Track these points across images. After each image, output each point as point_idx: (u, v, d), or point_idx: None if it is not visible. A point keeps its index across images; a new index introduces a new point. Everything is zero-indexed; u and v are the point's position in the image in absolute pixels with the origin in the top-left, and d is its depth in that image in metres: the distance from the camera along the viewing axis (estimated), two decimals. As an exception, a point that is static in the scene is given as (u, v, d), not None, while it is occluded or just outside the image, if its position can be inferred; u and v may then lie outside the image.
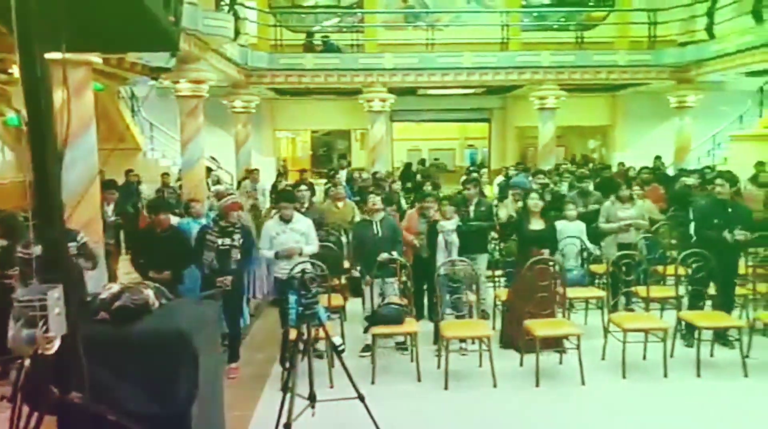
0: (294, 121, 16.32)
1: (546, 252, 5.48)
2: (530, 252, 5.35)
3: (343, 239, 6.96)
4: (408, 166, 14.88)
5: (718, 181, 5.64)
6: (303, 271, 3.95)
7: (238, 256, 5.11)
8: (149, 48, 3.07)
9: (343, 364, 3.85)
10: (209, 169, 11.25)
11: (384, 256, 5.28)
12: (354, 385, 3.77)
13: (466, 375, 4.98)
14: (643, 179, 9.07)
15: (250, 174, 10.96)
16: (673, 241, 7.52)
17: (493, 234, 7.13)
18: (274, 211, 6.55)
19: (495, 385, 4.72)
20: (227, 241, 5.07)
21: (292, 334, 4.02)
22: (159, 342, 2.72)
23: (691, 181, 8.89)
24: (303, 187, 7.12)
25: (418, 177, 11.90)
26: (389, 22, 14.64)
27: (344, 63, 12.26)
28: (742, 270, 6.65)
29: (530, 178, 9.21)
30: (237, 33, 9.60)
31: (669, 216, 8.15)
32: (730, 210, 5.48)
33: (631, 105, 15.77)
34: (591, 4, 16.02)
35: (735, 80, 13.59)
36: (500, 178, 11.82)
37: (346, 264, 6.90)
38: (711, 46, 11.42)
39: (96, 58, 6.10)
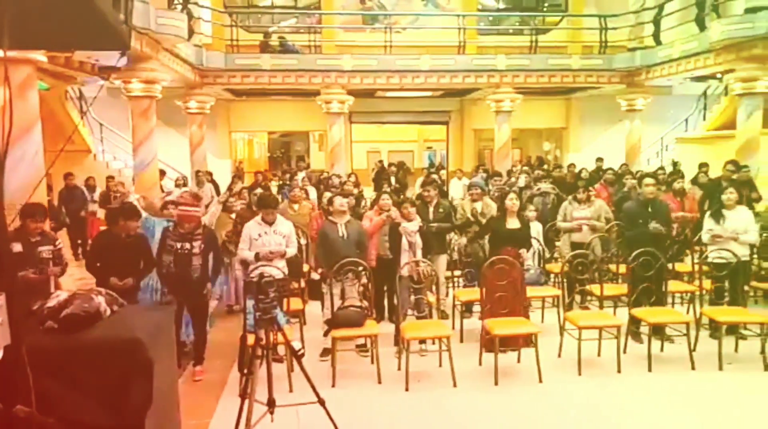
0: (251, 122, 16.11)
1: (523, 251, 5.57)
2: (504, 250, 5.43)
3: (302, 241, 6.90)
4: (383, 168, 14.70)
5: (647, 180, 5.91)
6: (260, 276, 3.89)
7: (200, 263, 5.02)
8: (98, 46, 2.96)
9: (302, 369, 3.81)
10: (163, 172, 10.98)
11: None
12: (314, 389, 3.74)
13: (426, 375, 5.00)
14: (607, 180, 9.32)
15: (199, 176, 10.69)
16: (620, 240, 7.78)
17: (453, 234, 7.21)
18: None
19: (455, 385, 4.76)
20: (186, 246, 4.97)
21: (250, 339, 3.96)
22: (111, 350, 2.62)
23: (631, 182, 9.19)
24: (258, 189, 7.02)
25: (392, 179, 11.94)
26: (347, 24, 14.63)
27: (302, 64, 12.18)
28: (688, 268, 6.95)
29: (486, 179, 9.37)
30: (191, 32, 9.42)
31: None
32: (650, 209, 5.76)
33: (584, 108, 16.21)
34: (545, 9, 16.42)
35: (681, 85, 14.16)
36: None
37: (305, 267, 6.85)
38: (658, 52, 11.86)
39: (41, 57, 5.87)
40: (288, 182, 9.54)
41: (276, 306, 3.84)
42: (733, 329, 5.55)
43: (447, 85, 12.89)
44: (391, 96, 15.12)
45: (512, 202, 5.69)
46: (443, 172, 15.84)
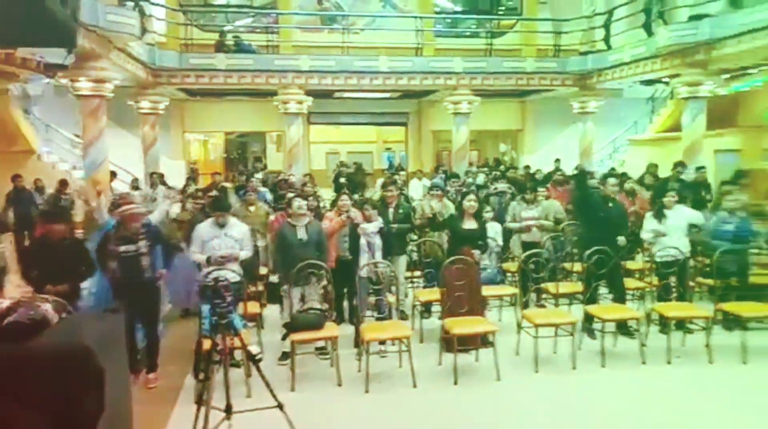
0: (206, 122, 15.81)
1: (477, 253, 5.63)
2: (462, 250, 5.48)
3: (260, 244, 6.81)
4: (359, 168, 14.46)
5: (611, 180, 6.18)
6: (216, 279, 3.81)
7: (148, 262, 4.88)
8: (43, 43, 2.84)
9: (260, 373, 3.75)
10: (114, 173, 10.65)
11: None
12: (272, 394, 3.69)
13: (386, 377, 5.00)
14: (557, 181, 9.54)
15: (152, 178, 10.43)
16: (575, 239, 7.97)
17: (412, 235, 7.24)
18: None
19: (415, 386, 4.77)
20: (131, 247, 4.82)
21: (207, 344, 3.87)
22: (59, 359, 2.52)
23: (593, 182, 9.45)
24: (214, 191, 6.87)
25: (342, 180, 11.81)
26: (305, 24, 14.53)
27: (259, 64, 12.03)
28: (639, 265, 7.19)
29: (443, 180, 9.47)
30: (143, 30, 9.16)
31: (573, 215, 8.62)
32: (611, 205, 6.02)
33: (538, 110, 16.58)
34: (500, 12, 16.70)
35: (631, 88, 14.65)
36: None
37: (263, 270, 6.76)
38: (609, 56, 12.24)
39: (-19, 53, 5.60)
40: (245, 184, 9.38)
41: (233, 310, 3.77)
42: (681, 324, 5.76)
43: (405, 86, 12.96)
44: (350, 97, 15.10)
45: (470, 203, 5.76)
46: (403, 173, 15.88)
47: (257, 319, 5.62)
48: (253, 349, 4.83)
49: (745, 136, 14.32)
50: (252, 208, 7.24)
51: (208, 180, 12.17)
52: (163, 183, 10.62)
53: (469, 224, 5.74)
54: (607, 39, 12.60)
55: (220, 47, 12.25)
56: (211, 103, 15.24)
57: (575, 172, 10.54)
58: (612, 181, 6.15)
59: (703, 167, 9.18)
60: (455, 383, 4.83)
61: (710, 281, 6.32)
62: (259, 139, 19.64)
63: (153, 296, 5.03)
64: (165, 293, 6.05)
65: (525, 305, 5.93)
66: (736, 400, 4.53)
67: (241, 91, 13.51)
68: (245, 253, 5.32)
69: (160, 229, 5.36)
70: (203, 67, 11.76)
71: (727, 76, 11.80)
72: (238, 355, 4.79)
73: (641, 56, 11.04)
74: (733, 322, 5.78)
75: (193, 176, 11.09)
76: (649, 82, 13.55)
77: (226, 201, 5.82)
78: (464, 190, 8.41)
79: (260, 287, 6.41)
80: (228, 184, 10.43)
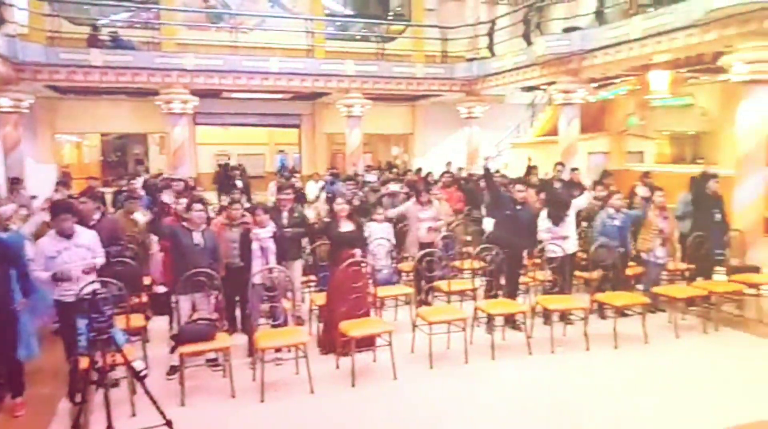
0: (79, 123, 14.56)
1: (358, 252, 5.63)
2: (342, 253, 5.46)
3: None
4: (225, 171, 13.86)
5: (518, 186, 6.58)
6: (94, 292, 3.50)
7: None
8: None
9: (146, 390, 3.50)
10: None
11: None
12: (160, 411, 3.46)
13: (282, 384, 4.87)
14: (445, 183, 9.85)
15: (13, 184, 9.33)
16: (468, 238, 8.31)
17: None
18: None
19: (312, 391, 4.70)
20: None
21: (83, 363, 3.54)
22: None
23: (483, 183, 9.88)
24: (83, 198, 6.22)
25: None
26: (190, 21, 13.89)
27: (139, 61, 11.29)
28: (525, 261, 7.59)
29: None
30: (1, 20, 8.27)
31: (464, 215, 8.97)
32: (519, 207, 6.36)
33: (428, 115, 17.07)
34: (389, 18, 17.01)
35: (513, 95, 15.52)
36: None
37: (147, 280, 6.33)
38: (492, 63, 12.88)
39: None
40: (124, 188, 8.73)
41: (113, 325, 3.49)
42: (563, 316, 6.17)
43: (297, 88, 12.79)
44: (240, 97, 14.65)
45: (341, 206, 5.78)
46: (297, 176, 15.72)
47: (142, 333, 5.25)
48: (138, 364, 4.49)
49: (611, 139, 15.73)
50: (133, 216, 6.73)
51: (82, 185, 11.21)
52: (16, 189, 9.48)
53: (346, 227, 5.76)
54: (491, 47, 13.25)
55: (93, 42, 11.35)
56: (86, 102, 14.08)
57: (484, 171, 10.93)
58: (519, 187, 6.52)
59: (576, 168, 9.90)
60: (353, 385, 4.81)
61: (587, 274, 6.82)
62: (140, 140, 18.47)
63: (7, 316, 4.35)
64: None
65: (420, 303, 6.06)
66: (610, 382, 4.92)
67: (120, 89, 12.63)
68: (100, 261, 4.82)
69: (9, 247, 4.64)
70: (75, 63, 10.80)
71: (596, 84, 12.87)
72: (122, 372, 4.44)
73: (522, 64, 11.72)
74: (607, 312, 6.29)
75: (64, 181, 10.12)
76: (529, 89, 14.41)
77: (71, 204, 5.22)
78: (358, 192, 8.47)
79: (144, 298, 5.99)
80: (106, 190, 9.68)
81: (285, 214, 6.17)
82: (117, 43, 11.54)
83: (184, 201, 5.71)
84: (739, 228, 7.20)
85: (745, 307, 6.40)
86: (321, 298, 6.05)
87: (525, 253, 6.44)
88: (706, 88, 13.31)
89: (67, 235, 4.61)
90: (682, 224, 7.23)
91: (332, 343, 5.30)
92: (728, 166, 8.77)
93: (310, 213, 7.47)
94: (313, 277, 6.78)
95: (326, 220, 6.51)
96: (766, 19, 6.85)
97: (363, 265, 5.50)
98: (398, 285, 6.77)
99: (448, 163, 13.39)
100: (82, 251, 4.66)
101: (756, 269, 6.84)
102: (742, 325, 6.28)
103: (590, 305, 6.14)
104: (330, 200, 6.15)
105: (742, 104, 7.62)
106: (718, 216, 6.93)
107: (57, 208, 4.73)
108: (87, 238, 4.77)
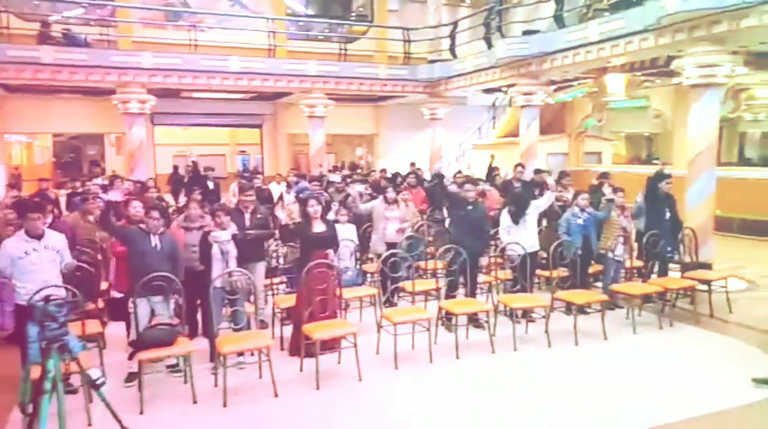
0: (30, 122, 14.03)
1: (330, 252, 5.59)
2: (313, 254, 5.41)
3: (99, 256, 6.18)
4: (176, 172, 13.68)
5: (467, 186, 6.56)
6: (47, 298, 3.37)
7: None
8: None
9: (102, 398, 3.39)
10: None
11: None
12: (117, 419, 3.37)
13: (246, 389, 4.79)
14: (410, 183, 9.87)
15: None
16: (431, 239, 8.34)
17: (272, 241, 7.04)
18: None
19: (276, 395, 4.63)
20: None
21: (35, 372, 3.40)
22: None
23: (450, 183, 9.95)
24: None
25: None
26: (147, 19, 13.55)
27: (93, 59, 10.94)
28: (485, 261, 7.67)
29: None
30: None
31: (427, 216, 9.00)
32: (470, 207, 6.37)
33: (392, 116, 17.13)
34: (351, 18, 16.98)
35: (474, 96, 15.70)
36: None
37: (104, 285, 6.13)
38: (454, 65, 13.00)
39: None
40: (79, 190, 8.43)
41: (67, 332, 3.36)
42: (525, 313, 6.26)
43: (258, 88, 12.64)
44: (199, 97, 14.39)
45: (314, 208, 5.73)
46: (260, 177, 15.52)
47: (99, 339, 5.08)
48: (94, 372, 4.34)
49: (570, 141, 16.10)
50: (92, 218, 6.53)
51: (33, 187, 10.80)
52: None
53: (318, 228, 5.72)
54: (452, 49, 13.37)
55: (44, 39, 10.94)
56: (36, 101, 13.59)
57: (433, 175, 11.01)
58: (468, 186, 6.54)
59: (543, 170, 10.08)
60: (317, 388, 4.77)
61: (547, 273, 6.94)
62: (96, 141, 17.93)
63: None
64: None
65: (385, 304, 6.05)
66: (572, 378, 5.01)
67: (73, 88, 12.23)
68: (71, 263, 4.77)
69: None
70: (24, 60, 10.41)
71: (555, 87, 13.14)
72: (77, 380, 4.29)
73: (483, 66, 11.86)
74: (569, 309, 6.41)
75: (13, 183, 9.74)
76: (490, 91, 14.61)
77: (40, 203, 5.08)
78: (324, 193, 8.41)
79: (101, 303, 5.80)
80: (57, 191, 9.35)
81: (247, 215, 6.08)
82: (70, 41, 11.16)
83: (138, 204, 5.54)
84: (691, 226, 7.45)
85: (698, 303, 6.63)
86: (285, 301, 5.99)
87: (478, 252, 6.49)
88: (660, 90, 13.76)
89: (37, 236, 4.50)
90: (637, 222, 7.44)
91: (299, 345, 5.24)
92: (682, 166, 9.06)
93: (281, 214, 7.36)
94: (276, 280, 6.70)
95: (298, 220, 6.41)
96: (714, 25, 7.11)
97: (331, 266, 5.46)
98: (363, 286, 6.75)
99: (412, 164, 13.43)
100: (52, 253, 4.60)
101: (708, 266, 7.09)
102: (695, 320, 6.50)
103: (551, 303, 6.24)
104: (302, 201, 6.05)
105: (693, 107, 7.90)
106: (668, 215, 7.15)
107: (25, 206, 4.61)
108: (56, 240, 4.70)
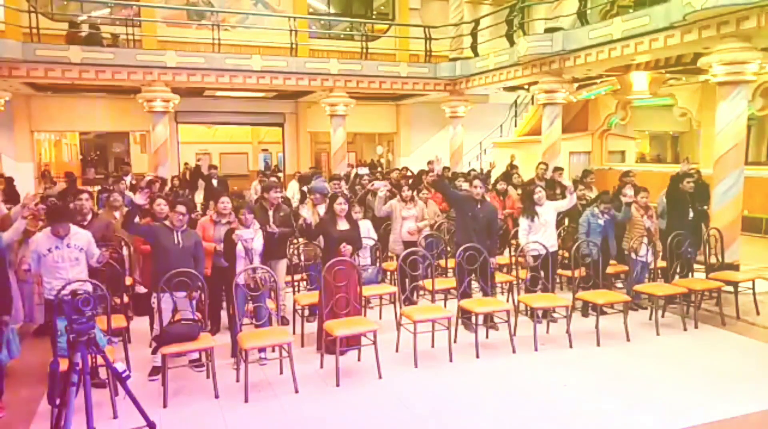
0: (57, 121, 14.32)
1: (350, 248, 5.61)
2: (337, 252, 5.44)
3: (125, 252, 6.30)
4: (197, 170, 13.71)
5: (475, 182, 6.48)
6: (74, 293, 3.44)
7: None
8: None
9: (128, 392, 3.46)
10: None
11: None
12: (142, 413, 3.43)
13: (267, 384, 4.85)
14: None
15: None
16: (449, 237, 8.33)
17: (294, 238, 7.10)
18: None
19: (297, 391, 4.68)
20: None
21: (64, 365, 3.48)
22: None
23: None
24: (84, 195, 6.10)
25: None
26: (171, 19, 13.73)
27: (119, 58, 11.13)
28: (506, 260, 7.64)
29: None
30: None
31: (447, 215, 8.98)
32: (479, 206, 6.30)
33: (412, 114, 17.09)
34: (373, 17, 16.99)
35: (496, 94, 15.59)
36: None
37: (129, 280, 6.25)
38: (476, 63, 12.92)
39: None
40: (110, 187, 8.57)
41: (94, 326, 3.43)
42: (546, 313, 6.21)
43: (280, 86, 12.72)
44: (222, 95, 14.53)
45: (340, 206, 5.75)
46: (280, 175, 15.67)
47: (123, 334, 5.19)
48: (119, 366, 4.43)
49: (593, 139, 15.90)
50: (118, 214, 6.66)
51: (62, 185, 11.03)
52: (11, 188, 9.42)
53: (342, 225, 5.74)
54: (474, 46, 13.30)
55: (72, 39, 11.15)
56: (64, 99, 13.86)
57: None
58: (477, 182, 6.45)
59: (560, 168, 9.98)
60: (337, 385, 4.80)
61: (569, 272, 6.88)
62: (121, 139, 18.24)
63: None
64: (18, 307, 5.40)
65: (405, 302, 6.06)
66: (595, 379, 4.96)
67: (100, 87, 12.45)
68: (94, 262, 4.92)
69: None
70: (53, 60, 10.63)
71: (578, 84, 12.99)
72: (103, 374, 4.39)
73: (504, 64, 11.77)
74: (590, 309, 6.35)
75: (46, 173, 9.97)
76: (512, 89, 14.50)
77: (66, 209, 5.19)
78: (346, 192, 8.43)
79: (126, 299, 5.91)
80: (92, 189, 9.52)
81: (270, 212, 6.13)
82: (97, 40, 11.36)
83: (162, 201, 5.61)
84: (717, 226, 7.32)
85: (724, 305, 6.51)
86: (307, 298, 6.03)
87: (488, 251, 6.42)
88: (686, 88, 13.51)
89: (61, 235, 4.68)
90: (662, 222, 7.33)
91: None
92: (708, 165, 8.89)
93: (306, 213, 7.40)
94: (297, 277, 6.75)
95: (323, 217, 6.43)
96: (743, 21, 6.97)
97: (352, 263, 5.48)
98: (383, 284, 6.76)
99: (430, 162, 13.39)
100: (75, 252, 4.74)
101: (735, 267, 6.96)
102: (720, 322, 6.39)
103: (572, 303, 6.19)
104: (331, 197, 6.08)
105: (720, 105, 7.75)
106: (690, 214, 7.02)
107: (57, 215, 4.78)
108: (82, 239, 4.83)
